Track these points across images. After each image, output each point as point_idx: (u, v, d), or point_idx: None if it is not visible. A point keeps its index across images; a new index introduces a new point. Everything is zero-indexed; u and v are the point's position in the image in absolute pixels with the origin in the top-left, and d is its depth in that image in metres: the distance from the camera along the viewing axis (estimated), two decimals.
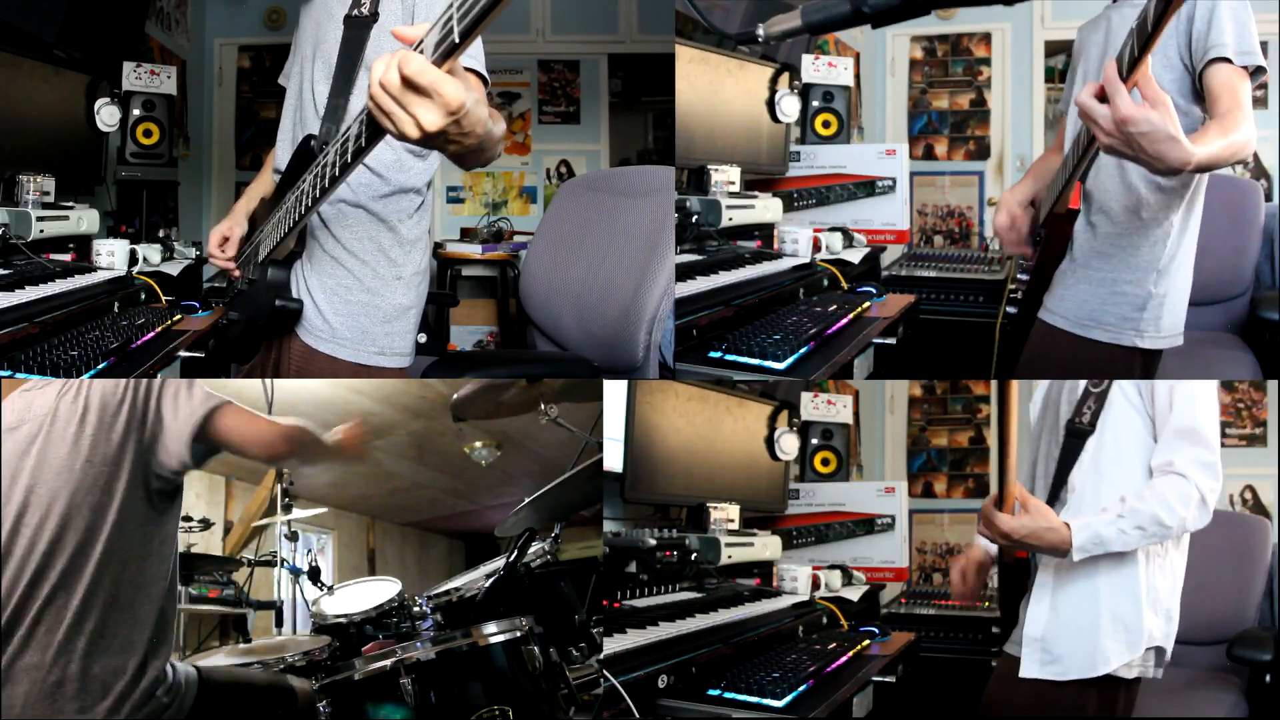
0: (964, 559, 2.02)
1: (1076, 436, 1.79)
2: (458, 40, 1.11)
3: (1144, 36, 1.42)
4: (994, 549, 2.00)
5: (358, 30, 1.89)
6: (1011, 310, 2.15)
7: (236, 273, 2.20)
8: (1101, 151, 1.61)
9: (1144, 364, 1.92)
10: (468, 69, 1.84)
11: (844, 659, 2.24)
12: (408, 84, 1.15)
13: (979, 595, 2.05)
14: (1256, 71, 1.75)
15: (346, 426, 1.79)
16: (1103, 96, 1.52)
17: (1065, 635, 1.73)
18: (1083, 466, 1.77)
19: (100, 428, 1.48)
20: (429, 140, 1.22)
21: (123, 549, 1.45)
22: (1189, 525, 1.69)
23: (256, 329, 2.07)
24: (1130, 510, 1.66)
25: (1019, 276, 2.15)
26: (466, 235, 4.72)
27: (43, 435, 1.49)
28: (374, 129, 1.30)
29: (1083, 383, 1.82)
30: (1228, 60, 1.73)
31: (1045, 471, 1.85)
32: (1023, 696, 1.74)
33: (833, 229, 2.88)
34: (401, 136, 1.21)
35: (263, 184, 2.27)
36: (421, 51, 1.15)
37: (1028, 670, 1.74)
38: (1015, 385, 1.65)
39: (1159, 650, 1.74)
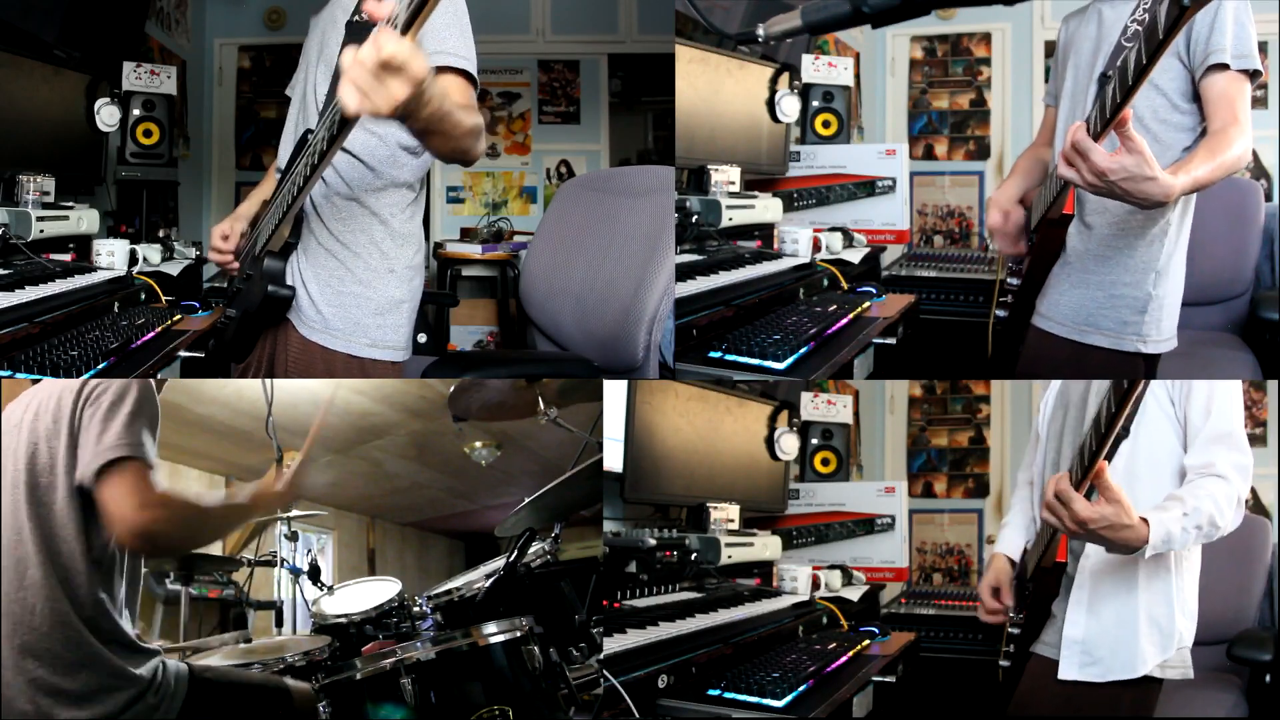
0: (993, 576, 1.97)
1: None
2: (405, 26, 1.28)
3: (1125, 89, 1.44)
4: (1015, 556, 1.98)
5: (359, 36, 1.90)
6: (1001, 314, 2.13)
7: (236, 266, 2.21)
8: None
9: (1145, 370, 1.90)
10: (457, 70, 1.87)
11: (844, 659, 2.24)
12: (384, 65, 1.30)
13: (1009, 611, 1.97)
14: (1254, 74, 1.74)
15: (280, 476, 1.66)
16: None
17: (1105, 638, 1.72)
18: (1117, 470, 1.73)
19: (44, 433, 1.45)
20: (397, 112, 1.37)
21: (71, 553, 1.42)
22: (1230, 525, 1.67)
23: (251, 320, 2.08)
24: (1193, 510, 1.61)
25: (1009, 282, 2.13)
26: (466, 235, 4.72)
27: (11, 443, 1.47)
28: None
29: (1109, 383, 1.80)
30: (1225, 66, 1.72)
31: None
32: (1057, 698, 1.74)
33: (833, 229, 2.88)
34: (374, 112, 1.35)
35: (265, 186, 2.29)
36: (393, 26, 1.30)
37: (1067, 672, 1.73)
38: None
39: (1185, 649, 1.75)
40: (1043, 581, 1.83)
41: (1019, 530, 2.01)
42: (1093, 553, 1.75)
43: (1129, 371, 1.88)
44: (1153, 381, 1.78)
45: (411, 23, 1.28)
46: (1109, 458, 1.56)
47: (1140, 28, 1.80)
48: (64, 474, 1.43)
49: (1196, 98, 1.79)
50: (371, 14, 1.37)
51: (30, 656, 1.38)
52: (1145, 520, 1.58)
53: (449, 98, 1.61)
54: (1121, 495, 1.56)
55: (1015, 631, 1.91)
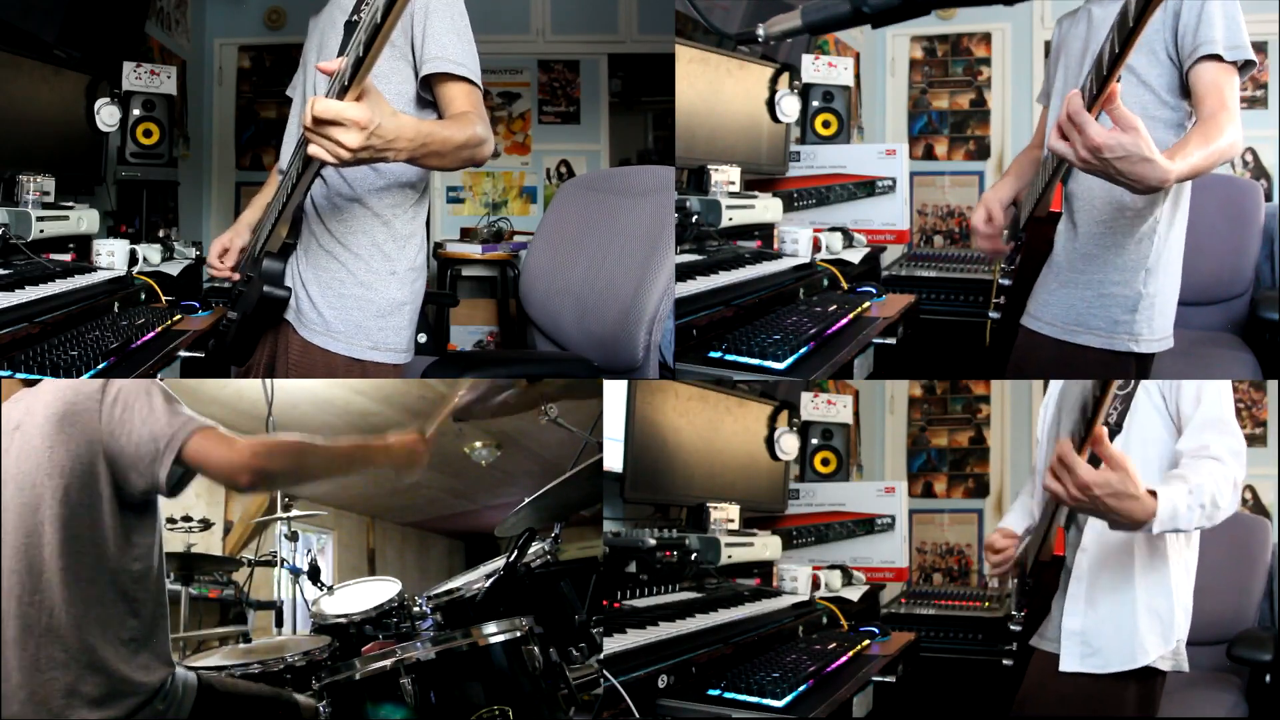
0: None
1: None
2: (347, 84, 1.46)
3: (1111, 62, 1.42)
4: (1018, 529, 1.98)
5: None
6: (995, 315, 2.13)
7: (236, 276, 2.21)
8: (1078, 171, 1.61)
9: (1138, 369, 1.89)
10: (459, 77, 1.87)
11: (844, 659, 2.24)
12: (320, 121, 1.47)
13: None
14: (1245, 66, 1.72)
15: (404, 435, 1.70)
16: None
17: (1105, 629, 1.72)
18: None
19: (62, 437, 1.44)
20: (359, 157, 1.54)
21: (99, 560, 1.43)
22: (1229, 509, 1.63)
23: (249, 322, 2.07)
24: (1197, 487, 1.56)
25: (1001, 282, 2.12)
26: (466, 235, 4.72)
27: (16, 446, 1.46)
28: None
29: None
30: (1217, 57, 1.71)
31: None
32: (1062, 691, 1.74)
33: (833, 229, 2.88)
34: (335, 162, 1.53)
35: (268, 190, 2.29)
36: (343, 77, 1.47)
37: (1068, 664, 1.73)
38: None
39: (1180, 643, 1.75)
40: (1042, 577, 1.83)
41: (1021, 514, 2.02)
42: (1090, 545, 1.75)
43: (1121, 372, 1.87)
44: (1147, 381, 1.78)
45: (354, 77, 1.45)
46: (1096, 464, 1.51)
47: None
48: (97, 474, 1.44)
49: (1185, 94, 1.78)
50: (323, 70, 1.55)
51: (44, 658, 1.38)
52: (1153, 493, 1.52)
53: (424, 125, 1.69)
54: (1127, 463, 1.49)
55: (1017, 629, 1.92)
